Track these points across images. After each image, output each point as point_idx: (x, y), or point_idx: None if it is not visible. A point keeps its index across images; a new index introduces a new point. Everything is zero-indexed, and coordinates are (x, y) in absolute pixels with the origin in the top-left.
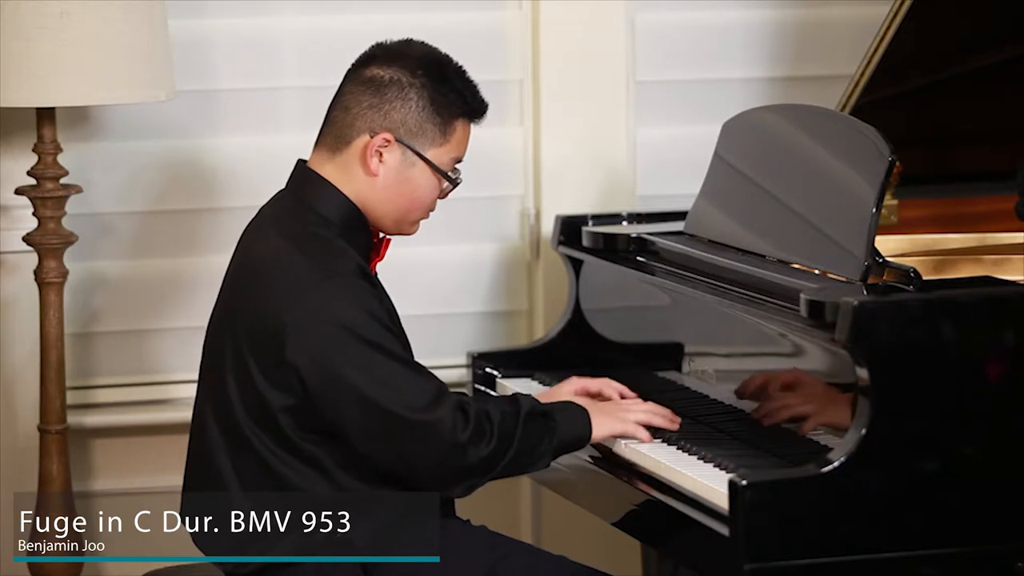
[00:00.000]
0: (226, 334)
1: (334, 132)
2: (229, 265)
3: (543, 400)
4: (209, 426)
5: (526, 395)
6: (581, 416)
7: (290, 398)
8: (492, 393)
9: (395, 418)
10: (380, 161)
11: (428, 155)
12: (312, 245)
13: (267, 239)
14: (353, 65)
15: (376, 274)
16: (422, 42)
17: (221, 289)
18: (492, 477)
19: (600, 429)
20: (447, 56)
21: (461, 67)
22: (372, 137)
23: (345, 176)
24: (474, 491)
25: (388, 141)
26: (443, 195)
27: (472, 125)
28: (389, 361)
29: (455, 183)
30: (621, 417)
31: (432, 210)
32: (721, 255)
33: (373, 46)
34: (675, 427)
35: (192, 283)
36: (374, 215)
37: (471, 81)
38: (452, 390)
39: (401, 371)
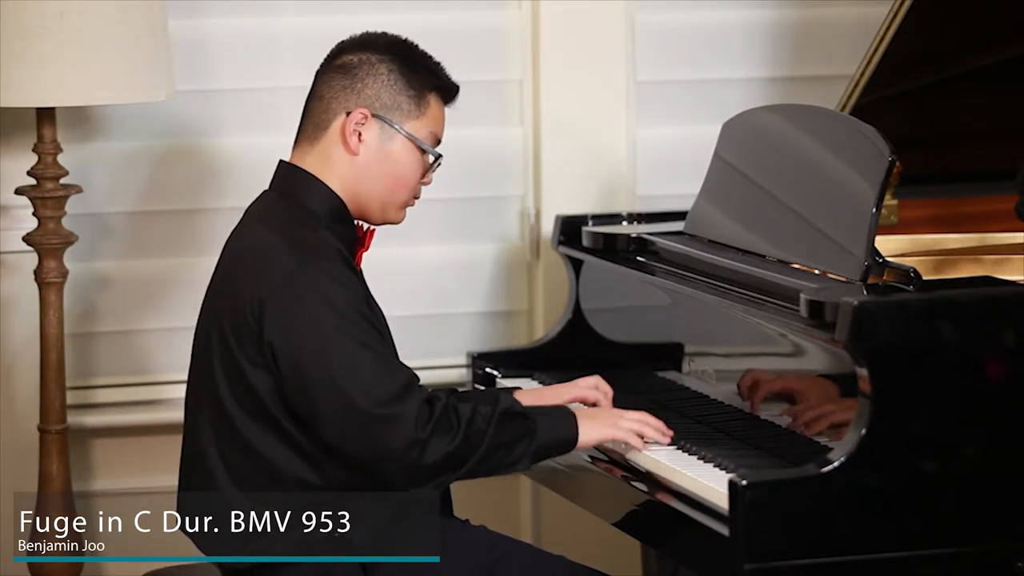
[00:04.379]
0: (213, 325)
1: (312, 122)
2: (216, 265)
3: (542, 397)
4: (199, 420)
5: (508, 395)
6: (567, 420)
7: (271, 380)
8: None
9: (356, 408)
10: (359, 140)
11: (406, 128)
12: (296, 233)
13: (252, 232)
14: (322, 63)
15: (360, 267)
16: (384, 32)
17: (208, 289)
18: (463, 475)
19: (589, 434)
20: (412, 41)
21: (426, 51)
22: (348, 116)
23: (327, 164)
24: (442, 488)
25: (365, 116)
26: (425, 176)
27: (446, 108)
28: (360, 350)
29: (437, 156)
30: (613, 423)
31: (417, 196)
32: (721, 255)
33: (337, 43)
34: (666, 440)
35: (192, 283)
36: (360, 199)
37: (438, 61)
38: (452, 385)
39: (371, 361)
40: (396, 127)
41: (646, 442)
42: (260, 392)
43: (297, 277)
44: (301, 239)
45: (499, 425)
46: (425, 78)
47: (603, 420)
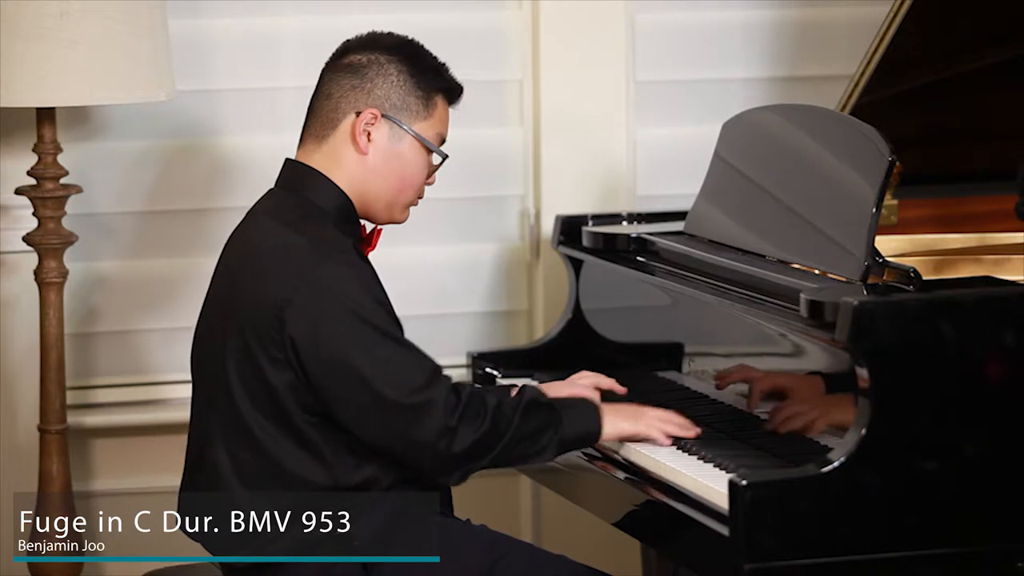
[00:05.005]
0: (228, 323)
1: (319, 121)
2: (219, 263)
3: (553, 389)
4: (208, 422)
5: (533, 386)
6: (591, 412)
7: (290, 375)
8: None
9: (384, 398)
10: (369, 139)
11: (415, 129)
12: (310, 228)
13: (263, 227)
14: (328, 61)
15: None
16: (390, 32)
17: (212, 287)
18: (489, 464)
19: (612, 428)
20: (418, 41)
21: (432, 52)
22: (358, 116)
23: (335, 162)
24: (468, 477)
25: (375, 117)
26: (430, 176)
27: (450, 109)
28: (385, 340)
29: (444, 157)
30: (637, 419)
31: (421, 196)
32: (721, 255)
33: (343, 42)
34: (691, 435)
35: (192, 283)
36: (367, 199)
37: (444, 62)
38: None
39: (397, 351)
40: (405, 128)
41: (671, 439)
42: (278, 390)
43: (319, 272)
44: (318, 235)
45: (525, 414)
46: (433, 79)
47: (628, 415)
